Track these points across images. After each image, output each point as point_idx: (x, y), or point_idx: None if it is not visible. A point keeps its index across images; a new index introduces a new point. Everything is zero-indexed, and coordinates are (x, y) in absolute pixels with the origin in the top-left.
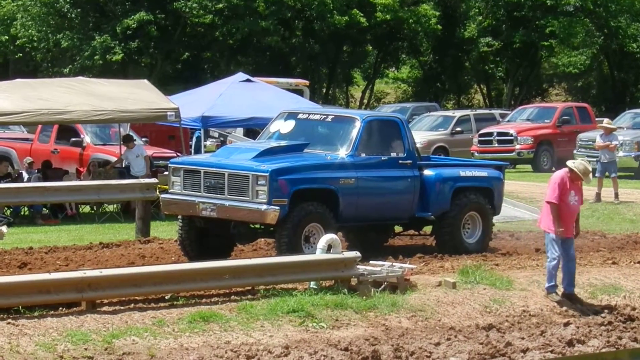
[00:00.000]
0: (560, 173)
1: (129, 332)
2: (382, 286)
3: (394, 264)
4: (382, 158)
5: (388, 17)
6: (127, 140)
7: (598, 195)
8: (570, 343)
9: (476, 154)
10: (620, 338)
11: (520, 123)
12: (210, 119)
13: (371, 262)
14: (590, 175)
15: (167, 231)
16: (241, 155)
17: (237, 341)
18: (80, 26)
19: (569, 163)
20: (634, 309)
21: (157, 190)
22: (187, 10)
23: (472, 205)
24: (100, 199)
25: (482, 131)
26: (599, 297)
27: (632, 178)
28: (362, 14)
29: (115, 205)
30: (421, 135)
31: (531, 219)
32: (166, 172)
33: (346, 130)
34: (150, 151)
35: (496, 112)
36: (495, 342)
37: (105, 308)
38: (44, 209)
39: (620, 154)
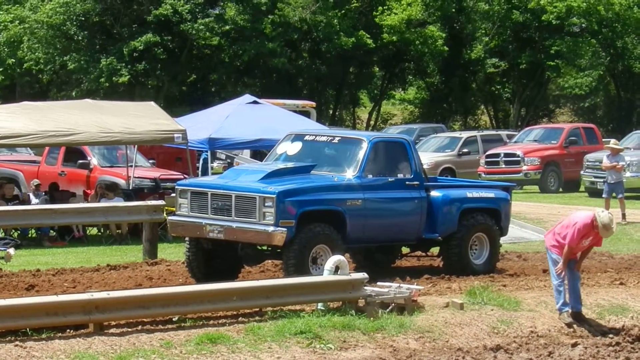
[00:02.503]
0: (587, 220)
1: (137, 354)
2: (390, 307)
3: (401, 285)
4: (389, 179)
5: (394, 38)
6: (112, 189)
7: None
8: None
9: (483, 175)
10: (628, 359)
11: (527, 144)
12: (217, 140)
13: (379, 283)
14: (613, 229)
15: (174, 253)
16: (248, 177)
17: None
18: (87, 48)
19: (598, 212)
20: None
21: (165, 212)
22: (193, 32)
23: (480, 226)
24: (108, 221)
25: (489, 152)
26: (606, 318)
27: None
28: (368, 36)
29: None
30: (428, 156)
31: (538, 240)
32: (173, 194)
33: (353, 151)
34: (158, 173)
35: (503, 133)
36: None
37: (112, 330)
38: (52, 231)
39: (627, 174)
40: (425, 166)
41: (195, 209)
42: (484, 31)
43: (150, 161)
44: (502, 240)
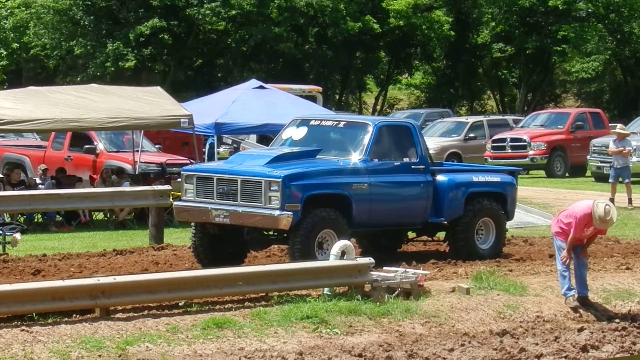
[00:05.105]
0: (587, 210)
1: (143, 339)
2: (396, 292)
3: (407, 270)
4: (395, 163)
5: (401, 23)
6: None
7: (611, 200)
8: (584, 349)
9: (489, 160)
10: (634, 343)
11: (533, 129)
12: (224, 125)
13: (385, 268)
14: (610, 221)
15: (180, 238)
16: (254, 161)
17: (250, 347)
18: (93, 33)
19: (596, 203)
20: None
21: (171, 197)
22: (200, 17)
23: (486, 210)
24: (114, 205)
25: (495, 137)
26: (612, 303)
27: None
28: (375, 20)
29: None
30: (434, 141)
31: (545, 224)
32: (179, 179)
33: (358, 135)
34: (164, 158)
35: (509, 117)
36: (509, 347)
37: (119, 315)
38: (58, 216)
39: (634, 159)
40: (431, 151)
41: (201, 194)
42: (490, 16)
43: (157, 146)
44: (509, 224)
